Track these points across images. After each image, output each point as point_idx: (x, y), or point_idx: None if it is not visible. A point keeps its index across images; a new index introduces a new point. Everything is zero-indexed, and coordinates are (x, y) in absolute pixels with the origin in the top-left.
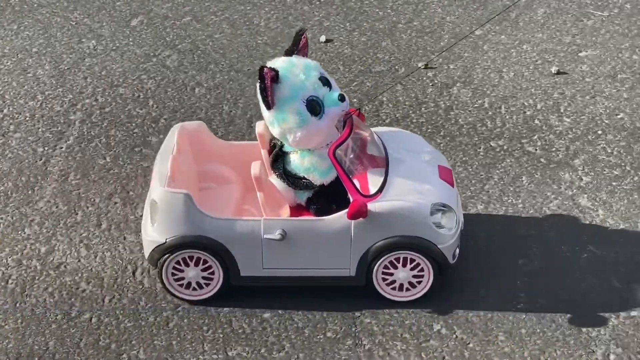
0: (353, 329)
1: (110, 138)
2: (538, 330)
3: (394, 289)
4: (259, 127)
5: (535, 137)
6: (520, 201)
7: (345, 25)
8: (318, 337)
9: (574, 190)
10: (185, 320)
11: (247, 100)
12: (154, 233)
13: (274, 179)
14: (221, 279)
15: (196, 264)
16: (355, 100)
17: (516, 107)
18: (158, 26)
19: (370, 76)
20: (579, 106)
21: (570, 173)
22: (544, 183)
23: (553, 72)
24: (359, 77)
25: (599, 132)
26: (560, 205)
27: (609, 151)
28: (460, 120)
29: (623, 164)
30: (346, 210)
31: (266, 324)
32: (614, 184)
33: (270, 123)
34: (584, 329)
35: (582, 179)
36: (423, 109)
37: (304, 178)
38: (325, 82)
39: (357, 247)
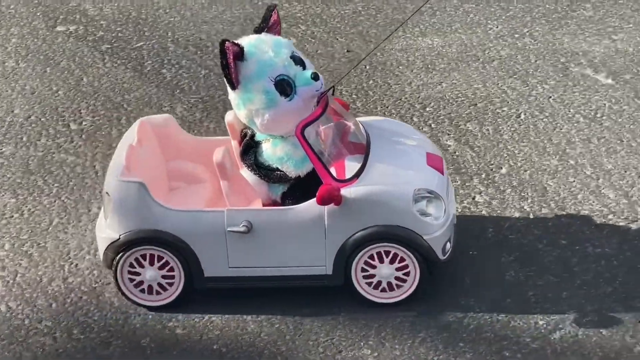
0: None
1: None
2: None
3: (376, 288)
4: (228, 116)
5: None
6: None
7: None
8: None
9: None
10: None
11: None
12: (107, 229)
13: (245, 172)
14: (182, 281)
15: (154, 264)
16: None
17: None
18: None
19: None
20: None
21: None
22: None
23: None
24: None
25: None
26: None
27: None
28: None
29: None
30: None
31: None
32: None
33: (236, 106)
34: None
35: None
36: None
37: (278, 169)
38: (298, 61)
39: (333, 239)
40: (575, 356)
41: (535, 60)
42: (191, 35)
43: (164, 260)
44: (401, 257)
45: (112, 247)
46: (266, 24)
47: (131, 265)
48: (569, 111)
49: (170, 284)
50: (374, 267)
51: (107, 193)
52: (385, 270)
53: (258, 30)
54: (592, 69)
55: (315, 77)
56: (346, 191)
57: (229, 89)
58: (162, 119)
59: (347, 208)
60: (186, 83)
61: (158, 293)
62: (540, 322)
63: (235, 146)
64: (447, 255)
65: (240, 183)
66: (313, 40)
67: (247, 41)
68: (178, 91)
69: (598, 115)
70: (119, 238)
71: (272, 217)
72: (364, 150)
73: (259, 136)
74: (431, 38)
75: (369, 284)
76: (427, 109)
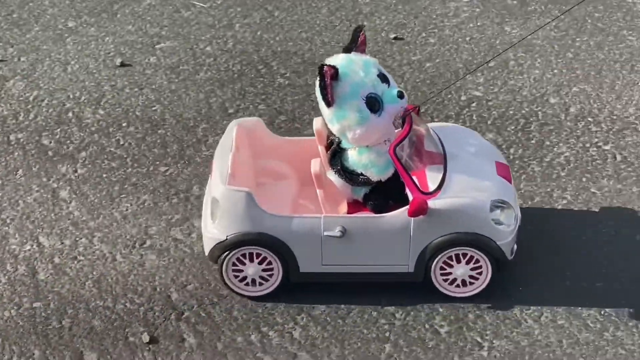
0: None
1: None
2: None
3: (451, 284)
4: (316, 123)
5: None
6: None
7: None
8: None
9: None
10: None
11: None
12: (214, 230)
13: (332, 175)
14: (280, 276)
15: (256, 261)
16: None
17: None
18: None
19: None
20: (120, 98)
21: None
22: None
23: (117, 64)
24: None
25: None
26: None
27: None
28: None
29: None
30: (406, 207)
31: None
32: None
33: (329, 120)
34: None
35: None
36: None
37: (362, 174)
38: (383, 78)
39: (416, 243)
40: None
41: None
42: None
43: (263, 257)
44: (475, 259)
45: (219, 247)
46: (355, 44)
47: (236, 261)
48: None
49: (269, 279)
50: (451, 266)
51: (215, 199)
52: (460, 270)
53: (347, 50)
54: None
55: (400, 95)
56: (430, 202)
57: (322, 105)
58: (253, 121)
59: (430, 217)
60: None
61: (256, 285)
62: None
63: (322, 151)
64: (513, 256)
65: (330, 186)
66: None
67: (340, 62)
68: None
69: None
70: (226, 239)
71: (364, 223)
72: (441, 159)
73: (344, 144)
74: None
75: (445, 280)
76: None
